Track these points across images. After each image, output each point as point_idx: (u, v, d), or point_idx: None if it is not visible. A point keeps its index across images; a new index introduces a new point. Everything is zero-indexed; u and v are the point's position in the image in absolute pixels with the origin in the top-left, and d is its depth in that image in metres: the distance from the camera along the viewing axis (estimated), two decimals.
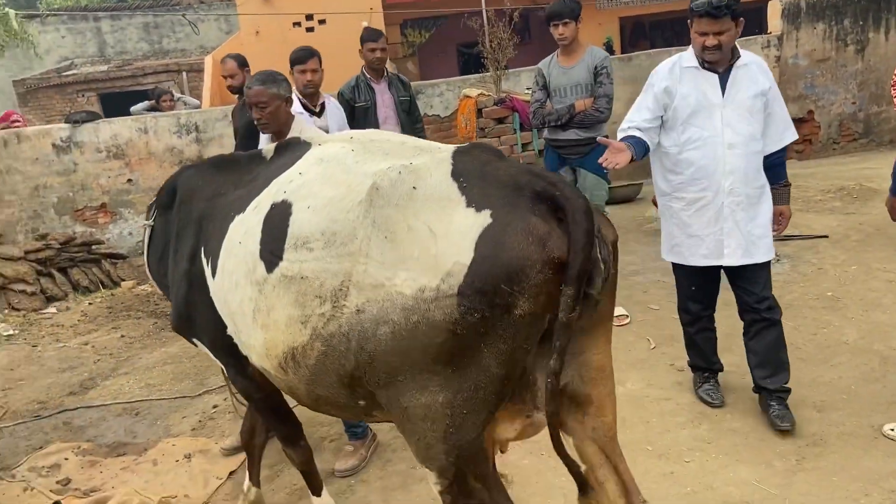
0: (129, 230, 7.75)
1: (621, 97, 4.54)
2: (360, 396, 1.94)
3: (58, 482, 3.47)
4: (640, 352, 4.09)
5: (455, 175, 1.78)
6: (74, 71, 18.33)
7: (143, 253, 3.11)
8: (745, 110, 3.08)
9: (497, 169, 1.79)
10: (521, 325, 1.66)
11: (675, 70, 3.20)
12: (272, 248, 2.03)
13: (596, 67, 4.30)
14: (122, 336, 5.58)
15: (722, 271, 3.34)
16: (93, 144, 7.55)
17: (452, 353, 1.69)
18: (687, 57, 3.19)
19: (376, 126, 5.02)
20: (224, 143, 7.79)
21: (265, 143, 3.51)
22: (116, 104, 15.08)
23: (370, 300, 1.75)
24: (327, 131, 4.15)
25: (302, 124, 3.38)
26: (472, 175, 1.77)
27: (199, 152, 7.79)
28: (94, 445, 3.84)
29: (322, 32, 12.55)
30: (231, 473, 3.39)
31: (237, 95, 5.05)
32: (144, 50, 20.83)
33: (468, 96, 6.62)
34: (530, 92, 7.00)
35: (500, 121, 6.59)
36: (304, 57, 4.08)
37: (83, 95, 17.52)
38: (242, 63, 5.06)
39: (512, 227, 1.64)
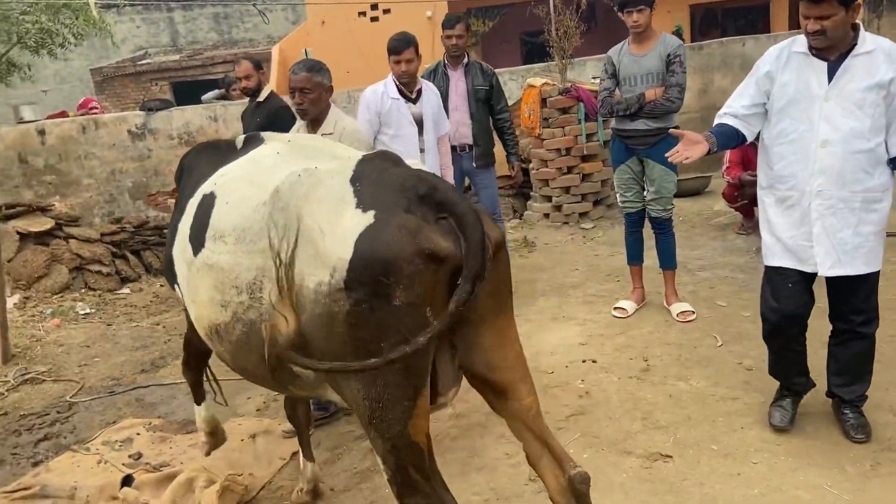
0: None
1: (691, 87, 4.41)
2: (281, 374, 2.09)
3: (130, 456, 3.61)
4: (706, 349, 3.98)
5: (353, 180, 1.94)
6: (148, 60, 18.93)
7: None
8: (851, 104, 2.74)
9: (391, 175, 1.94)
10: (405, 315, 1.78)
11: (783, 54, 2.89)
12: (197, 234, 2.29)
13: (669, 56, 4.19)
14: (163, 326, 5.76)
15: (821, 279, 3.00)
16: (165, 131, 7.81)
17: (355, 345, 1.81)
18: (800, 41, 2.88)
19: (447, 113, 5.05)
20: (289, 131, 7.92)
21: (297, 130, 3.66)
22: (187, 92, 15.53)
23: (285, 293, 1.89)
24: (421, 118, 4.21)
25: (338, 115, 3.51)
26: (368, 180, 1.93)
27: None
28: (165, 422, 3.97)
29: (386, 22, 12.62)
30: (293, 454, 3.45)
31: (249, 98, 5.16)
32: (214, 39, 21.36)
33: (532, 86, 6.55)
34: (598, 81, 6.91)
35: (565, 111, 6.50)
36: (400, 47, 4.13)
37: (156, 84, 18.10)
38: (258, 65, 5.12)
39: (388, 224, 1.79)
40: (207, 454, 3.24)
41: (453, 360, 2.06)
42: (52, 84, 17.58)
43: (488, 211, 5.31)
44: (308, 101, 3.30)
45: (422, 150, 4.26)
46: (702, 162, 5.06)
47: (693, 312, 4.39)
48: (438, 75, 5.11)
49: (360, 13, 12.72)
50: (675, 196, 4.46)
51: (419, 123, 4.25)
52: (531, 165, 6.90)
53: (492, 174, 5.25)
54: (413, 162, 2.16)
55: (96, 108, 8.03)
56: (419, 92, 4.26)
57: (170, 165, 7.86)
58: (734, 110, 3.00)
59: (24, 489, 3.36)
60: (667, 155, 3.02)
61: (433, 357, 1.93)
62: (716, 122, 3.07)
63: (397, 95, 4.20)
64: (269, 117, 4.81)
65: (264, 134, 2.61)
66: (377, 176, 1.94)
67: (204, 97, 8.53)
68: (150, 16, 21.05)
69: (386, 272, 1.75)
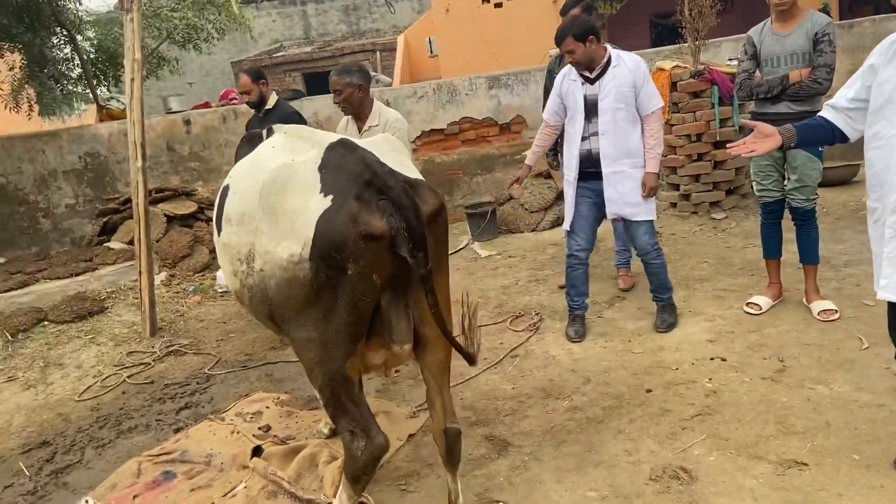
0: None
1: (839, 69, 4.05)
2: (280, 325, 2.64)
3: (259, 428, 3.81)
4: (849, 351, 3.68)
5: (321, 167, 2.40)
6: (282, 53, 19.85)
7: None
8: None
9: (348, 161, 2.37)
10: (355, 282, 2.26)
11: (893, 47, 2.52)
12: (218, 218, 2.91)
13: (816, 34, 3.87)
14: None
15: None
16: None
17: (315, 302, 2.32)
18: None
19: None
20: (412, 119, 8.07)
21: (345, 124, 4.31)
22: (318, 83, 16.14)
23: (266, 262, 2.44)
24: (595, 100, 4.04)
25: (381, 108, 4.12)
26: (331, 166, 2.38)
27: None
28: (292, 397, 4.16)
29: (510, 8, 12.53)
30: (410, 436, 3.52)
31: (254, 110, 5.17)
32: (343, 31, 22.04)
33: (662, 69, 6.27)
34: (734, 63, 6.52)
35: (696, 95, 6.18)
36: (558, 39, 4.04)
37: (290, 75, 18.95)
38: (257, 76, 4.98)
39: (340, 209, 2.25)
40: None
41: (408, 316, 2.49)
42: (196, 77, 18.82)
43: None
44: (341, 100, 3.99)
45: (594, 134, 4.07)
46: (849, 148, 4.67)
47: (836, 311, 4.06)
48: (564, 62, 5.09)
49: (484, 0, 12.69)
50: (819, 185, 4.14)
51: (592, 105, 4.06)
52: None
53: None
54: (365, 141, 2.63)
55: (235, 99, 8.49)
56: (604, 71, 4.00)
57: None
58: (835, 101, 2.71)
59: (167, 454, 3.63)
60: (729, 146, 2.79)
61: (390, 311, 2.42)
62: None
63: (575, 77, 4.12)
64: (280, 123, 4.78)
65: (276, 126, 3.08)
66: (337, 162, 2.39)
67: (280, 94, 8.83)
68: (284, 10, 22.04)
69: (338, 250, 2.23)
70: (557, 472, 3.05)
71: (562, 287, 5.20)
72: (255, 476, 3.23)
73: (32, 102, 8.28)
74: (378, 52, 19.05)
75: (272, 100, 5.14)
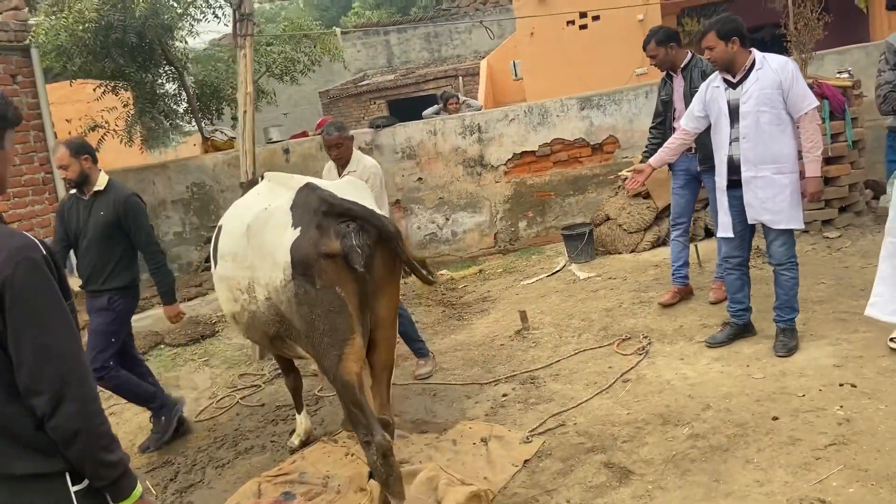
0: (418, 224, 8.41)
1: None
2: (276, 341, 3.35)
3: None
4: None
5: (292, 206, 3.03)
6: (367, 81, 20.38)
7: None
8: None
9: (310, 199, 2.98)
10: (324, 294, 2.84)
11: None
12: (214, 253, 3.63)
13: None
14: (417, 322, 6.06)
15: None
16: (390, 146, 8.31)
17: (307, 316, 2.90)
18: None
19: (672, 117, 5.03)
20: (503, 141, 8.10)
21: (329, 170, 4.83)
22: (402, 109, 16.48)
23: (269, 291, 3.05)
24: (737, 105, 3.97)
25: (359, 156, 4.72)
26: (299, 205, 3.01)
27: (480, 152, 8.19)
28: (400, 420, 4.19)
29: (596, 29, 12.45)
30: (525, 462, 3.48)
31: (76, 190, 4.26)
32: (426, 58, 22.46)
33: None
34: (844, 76, 6.26)
35: None
36: (700, 35, 4.10)
37: (374, 102, 19.46)
38: (78, 150, 4.10)
39: (304, 235, 2.88)
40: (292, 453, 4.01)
41: (367, 321, 3.04)
42: (287, 107, 19.53)
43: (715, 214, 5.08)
44: (340, 151, 4.61)
45: (736, 140, 3.99)
46: None
47: None
48: (666, 84, 5.16)
49: (568, 22, 12.66)
50: None
51: (735, 110, 3.98)
52: None
53: None
54: (330, 183, 3.32)
55: None
56: (746, 75, 3.94)
57: (393, 178, 8.36)
58: None
59: (285, 474, 3.72)
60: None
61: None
62: None
63: (719, 83, 4.09)
64: (117, 211, 4.16)
65: (265, 174, 3.69)
66: (303, 201, 3.00)
67: (425, 113, 8.97)
68: (368, 40, 22.65)
69: (306, 268, 2.84)
70: (684, 500, 2.95)
71: (665, 306, 5.13)
72: (372, 499, 3.26)
73: (143, 137, 8.78)
74: (461, 77, 19.31)
75: (102, 180, 4.22)
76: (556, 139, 8.07)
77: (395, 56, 22.81)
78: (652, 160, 4.51)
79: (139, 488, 1.76)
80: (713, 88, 4.11)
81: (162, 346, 5.74)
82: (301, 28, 9.76)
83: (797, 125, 3.88)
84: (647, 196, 6.63)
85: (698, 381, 3.95)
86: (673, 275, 5.35)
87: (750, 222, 4.09)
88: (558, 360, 4.61)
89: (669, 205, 5.54)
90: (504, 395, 4.28)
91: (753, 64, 3.89)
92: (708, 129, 4.92)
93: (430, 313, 6.27)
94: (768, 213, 3.95)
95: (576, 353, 4.66)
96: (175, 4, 7.78)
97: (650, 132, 5.35)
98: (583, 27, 12.63)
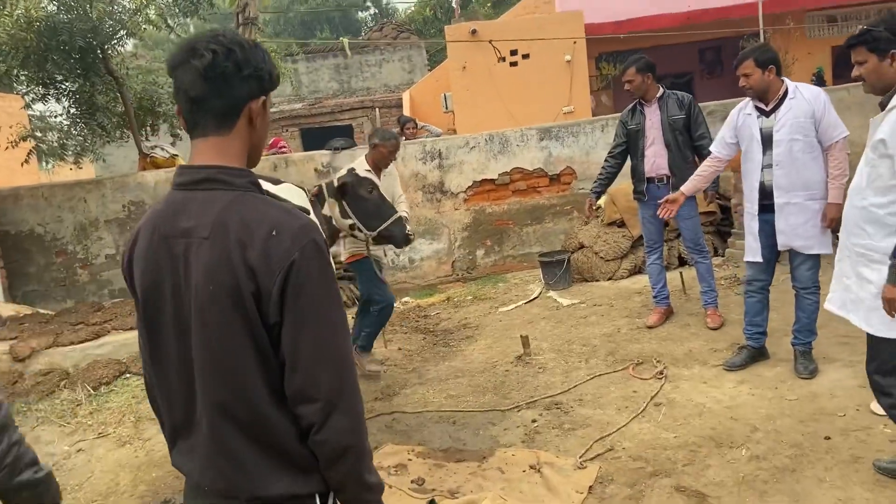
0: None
1: None
2: None
3: (412, 482, 3.59)
4: None
5: None
6: (274, 109, 19.91)
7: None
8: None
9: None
10: None
11: None
12: None
13: None
14: (400, 349, 5.80)
15: None
16: None
17: None
18: None
19: (643, 146, 5.23)
20: (464, 168, 8.04)
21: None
22: (315, 139, 16.18)
23: None
24: (770, 132, 4.07)
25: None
26: None
27: (440, 178, 8.08)
28: (428, 449, 3.94)
29: (525, 66, 12.78)
30: (590, 488, 3.34)
31: None
32: (335, 89, 22.27)
33: None
34: None
35: None
36: (739, 61, 4.12)
37: (287, 130, 19.02)
38: None
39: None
40: None
41: None
42: None
43: (690, 243, 5.28)
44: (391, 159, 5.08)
45: (768, 166, 4.09)
46: None
47: None
48: (636, 113, 5.30)
49: (500, 58, 12.93)
50: None
51: (767, 138, 4.08)
52: (733, 201, 6.69)
53: (691, 205, 5.17)
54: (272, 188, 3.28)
55: (285, 147, 8.37)
56: (780, 103, 4.05)
57: None
58: None
59: None
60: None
61: None
62: None
63: (750, 110, 4.17)
64: None
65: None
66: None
67: (329, 143, 8.74)
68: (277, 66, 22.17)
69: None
70: None
71: (650, 327, 5.25)
72: None
73: (78, 151, 8.01)
74: (377, 109, 19.28)
75: None
76: (515, 168, 8.12)
77: (304, 85, 22.45)
78: (685, 188, 4.59)
79: None
80: (745, 115, 4.21)
81: (128, 374, 5.14)
82: None
83: (826, 153, 4.04)
84: (621, 224, 6.75)
85: (734, 404, 3.97)
86: (655, 297, 5.47)
87: (780, 248, 4.20)
88: (576, 385, 4.52)
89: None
90: (534, 421, 4.12)
91: (786, 93, 4.04)
92: (685, 158, 5.12)
93: (411, 340, 6.02)
94: (800, 238, 4.08)
95: (591, 378, 4.59)
96: (127, 8, 7.18)
97: (606, 160, 5.50)
98: (513, 64, 12.94)
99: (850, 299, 2.91)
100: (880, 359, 2.90)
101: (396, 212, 4.55)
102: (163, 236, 1.42)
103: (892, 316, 2.65)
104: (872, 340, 2.90)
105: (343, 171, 4.76)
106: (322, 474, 1.42)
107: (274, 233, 1.34)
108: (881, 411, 3.61)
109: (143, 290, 1.46)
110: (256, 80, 1.45)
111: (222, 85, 1.41)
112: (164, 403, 1.53)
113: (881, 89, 2.78)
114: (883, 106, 2.79)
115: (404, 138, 8.65)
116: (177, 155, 7.89)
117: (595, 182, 5.58)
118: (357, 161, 5.07)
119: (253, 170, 1.57)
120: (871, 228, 2.75)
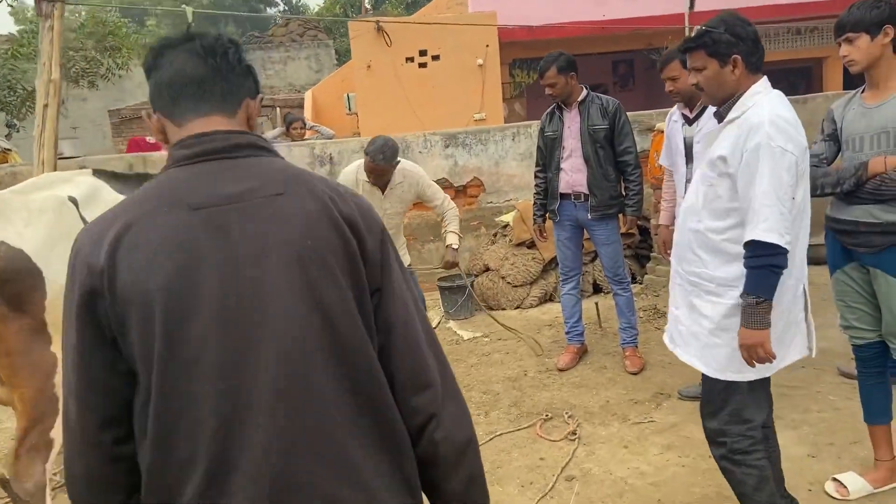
0: None
1: None
2: None
3: None
4: None
5: None
6: None
7: None
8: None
9: None
10: None
11: None
12: None
13: None
14: None
15: None
16: None
17: None
18: None
19: (560, 157, 4.47)
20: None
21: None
22: None
23: None
24: (692, 143, 3.55)
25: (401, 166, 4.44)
26: None
27: None
28: None
29: (435, 69, 12.09)
30: None
31: None
32: None
33: (662, 131, 5.75)
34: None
35: None
36: (663, 63, 3.68)
37: None
38: None
39: None
40: None
41: None
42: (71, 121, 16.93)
43: (609, 272, 4.57)
44: (384, 179, 4.31)
45: (688, 181, 3.34)
46: None
47: None
48: (554, 119, 4.50)
49: (407, 59, 12.14)
50: None
51: (689, 149, 3.54)
52: (653, 222, 6.03)
53: (612, 229, 4.47)
54: None
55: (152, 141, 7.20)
56: (703, 110, 3.53)
57: None
58: None
59: None
60: None
61: None
62: None
63: (677, 117, 3.67)
64: None
65: None
66: None
67: (266, 135, 7.74)
68: None
69: None
70: None
71: (561, 369, 4.51)
72: None
73: None
74: (278, 108, 18.20)
75: None
76: None
77: None
78: (662, 219, 4.00)
79: None
80: (672, 123, 3.71)
81: None
82: (104, 25, 8.12)
83: None
84: (531, 246, 5.98)
85: (660, 479, 3.21)
86: (568, 333, 4.70)
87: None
88: None
89: (556, 256, 4.92)
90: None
91: None
92: (605, 175, 4.38)
93: None
94: None
95: (491, 439, 3.74)
96: None
97: (537, 176, 4.68)
98: (422, 65, 12.23)
99: (679, 332, 2.48)
100: (715, 403, 2.41)
101: None
102: (194, 208, 1.11)
103: (753, 365, 2.23)
104: (709, 382, 2.43)
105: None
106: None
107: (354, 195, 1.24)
108: (837, 494, 2.98)
109: (161, 289, 1.08)
110: (252, 78, 1.34)
111: (225, 67, 1.26)
112: (187, 443, 1.09)
113: (721, 99, 2.35)
114: (721, 117, 2.35)
115: (290, 139, 7.65)
116: (9, 150, 6.58)
117: (535, 205, 4.70)
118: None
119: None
120: (706, 255, 2.34)
